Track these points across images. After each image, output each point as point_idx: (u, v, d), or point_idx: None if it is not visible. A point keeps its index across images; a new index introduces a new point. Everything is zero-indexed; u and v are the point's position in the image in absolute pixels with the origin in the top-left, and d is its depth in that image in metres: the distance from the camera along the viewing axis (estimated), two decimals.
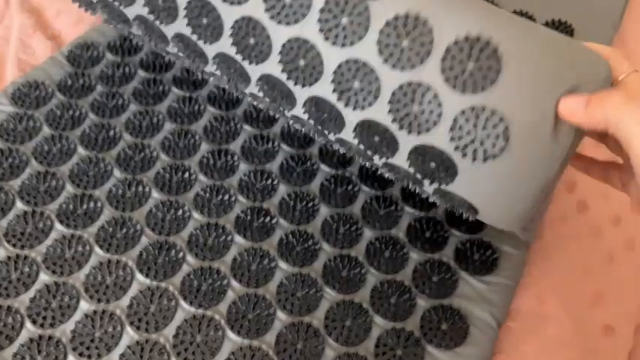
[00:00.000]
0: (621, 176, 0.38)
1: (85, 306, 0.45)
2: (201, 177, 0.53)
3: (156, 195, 0.51)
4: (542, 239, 0.52)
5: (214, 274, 0.46)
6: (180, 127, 0.56)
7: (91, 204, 0.50)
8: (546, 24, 0.65)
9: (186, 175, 0.53)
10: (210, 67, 0.47)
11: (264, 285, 0.46)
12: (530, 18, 0.66)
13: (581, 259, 0.51)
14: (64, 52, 0.62)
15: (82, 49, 0.62)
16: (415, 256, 0.49)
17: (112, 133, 0.55)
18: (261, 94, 0.45)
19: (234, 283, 0.46)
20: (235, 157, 0.54)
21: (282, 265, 0.48)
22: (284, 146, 0.55)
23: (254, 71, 0.42)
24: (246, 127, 0.57)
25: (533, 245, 0.51)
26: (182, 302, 0.45)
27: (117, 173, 0.53)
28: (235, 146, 0.55)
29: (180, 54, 0.48)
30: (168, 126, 0.56)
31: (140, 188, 0.52)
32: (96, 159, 0.53)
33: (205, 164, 0.54)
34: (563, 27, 0.65)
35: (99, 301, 0.45)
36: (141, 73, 0.61)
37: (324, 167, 0.54)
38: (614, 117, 0.31)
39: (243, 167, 0.54)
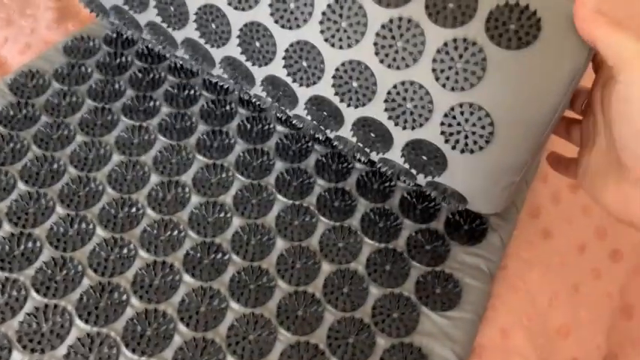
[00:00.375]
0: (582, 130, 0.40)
1: (17, 356, 0.41)
2: (149, 211, 0.50)
3: (100, 232, 0.48)
4: (507, 269, 0.51)
5: (160, 318, 0.43)
6: (129, 159, 0.53)
7: (29, 244, 0.47)
8: None
9: (134, 209, 0.50)
10: (217, 70, 0.52)
11: (214, 328, 0.43)
12: None
13: (547, 290, 0.49)
14: (6, 81, 0.59)
15: (26, 78, 0.59)
16: (375, 291, 0.46)
17: (55, 166, 0.52)
18: (264, 94, 0.49)
19: (182, 327, 0.43)
20: (187, 189, 0.52)
21: (234, 305, 0.45)
22: (239, 175, 0.53)
23: (259, 73, 0.47)
24: (199, 157, 0.54)
25: (497, 276, 0.50)
26: (124, 349, 0.42)
27: (59, 209, 0.49)
28: (187, 177, 0.53)
29: (187, 57, 0.53)
30: (116, 158, 0.54)
31: (84, 225, 0.48)
32: (37, 195, 0.50)
33: (154, 197, 0.51)
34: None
35: (32, 351, 0.42)
36: (89, 102, 0.58)
37: (279, 202, 0.52)
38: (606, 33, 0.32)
39: (195, 200, 0.51)
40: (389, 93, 0.40)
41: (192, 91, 0.60)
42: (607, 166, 0.36)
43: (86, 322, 0.43)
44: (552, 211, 0.55)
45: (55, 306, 0.44)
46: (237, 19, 0.44)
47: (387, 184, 0.53)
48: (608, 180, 0.36)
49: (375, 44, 0.39)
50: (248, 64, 0.47)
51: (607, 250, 0.53)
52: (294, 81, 0.44)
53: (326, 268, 0.48)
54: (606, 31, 0.32)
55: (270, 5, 0.41)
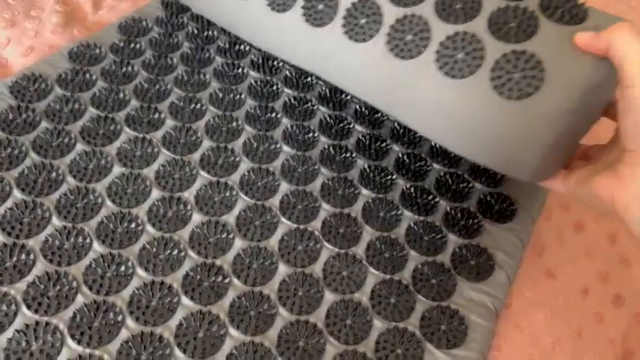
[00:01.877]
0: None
1: None
2: (149, 227, 0.48)
3: (97, 247, 0.46)
4: (511, 308, 0.50)
5: (156, 342, 0.42)
6: (130, 171, 0.52)
7: (22, 256, 0.45)
8: None
9: (133, 225, 0.48)
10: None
11: (212, 355, 0.42)
12: None
13: (551, 333, 0.49)
14: (7, 83, 0.57)
15: (28, 81, 0.58)
16: (379, 324, 0.45)
17: (53, 174, 0.51)
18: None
19: (178, 353, 0.41)
20: (189, 206, 0.50)
21: (233, 332, 0.43)
22: (242, 195, 0.52)
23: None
24: (203, 174, 0.53)
25: (502, 314, 0.49)
26: None
27: (55, 221, 0.48)
28: (189, 193, 0.51)
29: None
30: (117, 169, 0.52)
31: (80, 239, 0.47)
32: (33, 204, 0.48)
33: (155, 213, 0.49)
34: None
35: None
36: (92, 109, 0.57)
37: (283, 225, 0.51)
38: (615, 38, 0.35)
39: (197, 218, 0.50)
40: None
41: (198, 105, 0.59)
42: (611, 159, 0.38)
43: (78, 342, 0.41)
44: (556, 250, 0.55)
45: (47, 323, 0.41)
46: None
47: (393, 212, 0.52)
48: (607, 170, 0.37)
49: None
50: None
51: (610, 295, 0.53)
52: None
53: (329, 297, 0.46)
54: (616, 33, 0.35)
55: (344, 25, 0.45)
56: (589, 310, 0.51)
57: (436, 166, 0.57)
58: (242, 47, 0.66)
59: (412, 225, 0.52)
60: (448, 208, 0.53)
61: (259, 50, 0.67)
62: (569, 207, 0.58)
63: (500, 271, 0.49)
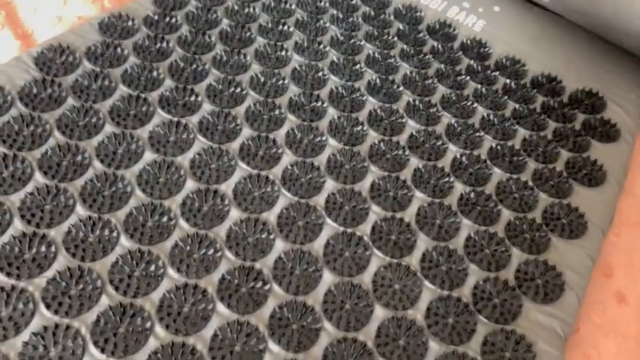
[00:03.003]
0: None
1: None
2: (183, 222, 0.43)
3: (125, 242, 0.42)
4: (578, 333, 0.44)
5: (188, 354, 0.37)
6: (163, 159, 0.47)
7: (42, 247, 0.40)
8: (576, 91, 0.60)
9: (165, 218, 0.43)
10: None
11: None
12: (559, 83, 0.60)
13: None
14: (32, 54, 0.52)
15: (54, 52, 0.53)
16: (435, 347, 0.40)
17: (79, 158, 0.46)
18: None
19: None
20: (226, 201, 0.45)
21: (273, 347, 0.38)
22: (285, 191, 0.47)
23: None
24: (242, 165, 0.48)
25: (568, 341, 0.43)
26: None
27: (80, 210, 0.43)
28: (227, 186, 0.46)
29: None
30: (149, 155, 0.47)
31: (106, 232, 0.42)
32: (56, 190, 0.43)
33: (189, 207, 0.44)
34: (595, 98, 0.60)
35: None
36: (122, 88, 0.52)
37: (328, 227, 0.45)
38: None
39: (235, 214, 0.45)
40: None
41: (238, 89, 0.54)
42: None
43: (102, 350, 0.36)
44: (627, 271, 0.49)
45: (67, 327, 0.37)
46: None
47: (451, 219, 0.47)
48: None
49: None
50: None
51: None
52: None
53: (379, 313, 0.41)
54: None
55: None
56: None
57: (497, 170, 0.52)
58: (285, 28, 0.61)
59: (472, 235, 0.46)
60: (512, 218, 0.48)
61: (304, 30, 0.61)
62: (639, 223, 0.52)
63: (570, 292, 0.44)
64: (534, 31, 0.68)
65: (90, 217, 0.42)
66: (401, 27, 0.65)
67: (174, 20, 0.59)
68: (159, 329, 0.38)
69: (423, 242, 0.46)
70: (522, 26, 0.68)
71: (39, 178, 0.44)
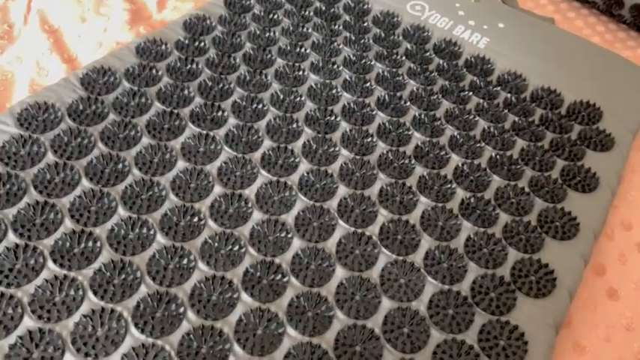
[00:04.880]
0: None
1: (70, 358, 0.40)
2: (211, 222, 0.49)
3: (161, 239, 0.47)
4: (571, 326, 0.48)
5: (216, 336, 0.42)
6: (194, 167, 0.53)
7: (90, 243, 0.46)
8: (574, 104, 0.64)
9: (195, 219, 0.49)
10: None
11: (270, 354, 0.42)
12: (558, 96, 0.65)
13: (613, 354, 0.47)
14: (78, 75, 0.59)
15: (97, 74, 0.59)
16: (437, 334, 0.45)
17: (120, 166, 0.52)
18: None
19: (237, 349, 0.42)
20: (249, 204, 0.51)
21: (291, 331, 0.43)
22: (301, 196, 0.52)
23: None
24: (263, 172, 0.53)
25: (561, 333, 0.47)
26: None
27: (121, 211, 0.49)
28: (250, 191, 0.52)
29: None
30: (181, 164, 0.53)
31: (144, 230, 0.48)
32: (100, 193, 0.49)
33: (217, 209, 0.50)
34: (591, 109, 0.64)
35: (86, 355, 0.40)
36: (157, 104, 0.58)
37: (340, 228, 0.50)
38: None
39: (257, 215, 0.50)
40: None
41: (260, 105, 0.59)
42: None
43: (142, 331, 0.42)
44: (618, 271, 0.53)
45: (112, 310, 0.42)
46: None
47: (453, 222, 0.52)
48: None
49: None
50: None
51: None
52: None
53: (386, 303, 0.46)
54: None
55: None
56: None
57: (496, 177, 0.56)
58: (302, 50, 0.67)
59: (472, 236, 0.51)
60: (509, 221, 0.52)
61: (320, 52, 0.67)
62: (632, 226, 0.56)
63: (562, 288, 0.48)
64: (537, 45, 0.72)
65: (130, 217, 0.48)
66: (409, 47, 0.70)
67: (202, 44, 0.65)
68: (191, 314, 0.43)
69: (427, 242, 0.50)
70: (525, 41, 0.73)
71: (85, 183, 0.50)
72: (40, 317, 0.42)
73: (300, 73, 0.64)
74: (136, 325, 0.42)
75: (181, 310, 0.43)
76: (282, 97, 0.61)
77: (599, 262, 0.53)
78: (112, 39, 0.67)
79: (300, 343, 0.42)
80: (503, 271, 0.49)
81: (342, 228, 0.50)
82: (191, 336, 0.42)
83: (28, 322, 0.41)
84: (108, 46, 0.66)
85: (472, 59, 0.70)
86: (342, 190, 0.53)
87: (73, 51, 0.65)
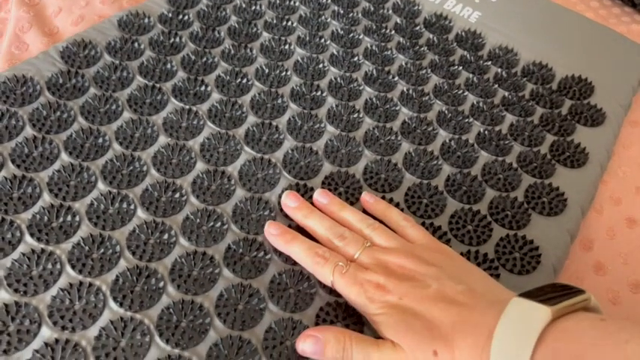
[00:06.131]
0: None
1: (46, 333, 0.40)
2: (193, 199, 0.48)
3: (141, 214, 0.47)
4: None
5: (196, 310, 0.41)
6: (176, 142, 0.52)
7: (68, 217, 0.45)
8: (565, 78, 0.63)
9: (177, 195, 0.48)
10: None
11: (251, 328, 0.41)
12: (549, 70, 0.64)
13: None
14: (58, 48, 0.58)
15: (78, 47, 0.58)
16: None
17: (100, 140, 0.51)
18: None
19: (218, 323, 0.41)
20: (232, 181, 0.50)
21: (273, 307, 0.43)
22: (285, 173, 0.51)
23: None
24: (247, 149, 0.52)
25: None
26: (157, 339, 0.40)
27: (101, 185, 0.48)
28: (233, 168, 0.51)
29: None
30: (163, 139, 0.52)
31: (125, 205, 0.47)
32: (80, 167, 0.48)
33: (199, 185, 0.49)
34: (583, 83, 0.63)
35: (63, 328, 0.40)
36: (139, 78, 0.57)
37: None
38: None
39: (240, 193, 0.49)
40: None
41: (244, 80, 0.58)
42: None
43: (120, 305, 0.41)
44: (606, 245, 0.53)
45: (90, 284, 0.42)
46: None
47: (437, 197, 0.51)
48: None
49: None
50: None
51: None
52: None
53: None
54: None
55: None
56: (638, 306, 0.49)
57: (484, 153, 0.56)
58: (289, 23, 0.65)
59: (458, 212, 0.50)
60: (495, 197, 0.52)
61: (307, 26, 0.66)
62: (621, 201, 0.55)
63: (547, 264, 0.48)
64: (529, 20, 0.71)
65: (110, 192, 0.47)
66: (398, 21, 0.69)
67: (186, 18, 0.64)
68: (171, 289, 0.43)
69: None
70: (517, 16, 0.71)
71: (65, 157, 0.49)
72: (16, 290, 0.41)
73: (287, 47, 0.63)
74: (114, 298, 0.41)
75: (161, 284, 0.43)
76: (267, 71, 0.60)
77: (587, 236, 0.53)
78: (94, 13, 0.65)
79: (282, 318, 0.42)
80: (487, 248, 0.48)
81: None
82: (171, 310, 0.41)
83: (4, 296, 0.41)
84: (90, 20, 0.64)
85: (463, 33, 0.69)
86: (327, 168, 0.53)
87: (55, 25, 0.64)
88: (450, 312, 0.37)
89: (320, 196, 0.48)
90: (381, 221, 0.47)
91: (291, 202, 0.47)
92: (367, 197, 0.49)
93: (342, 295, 0.42)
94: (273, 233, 0.45)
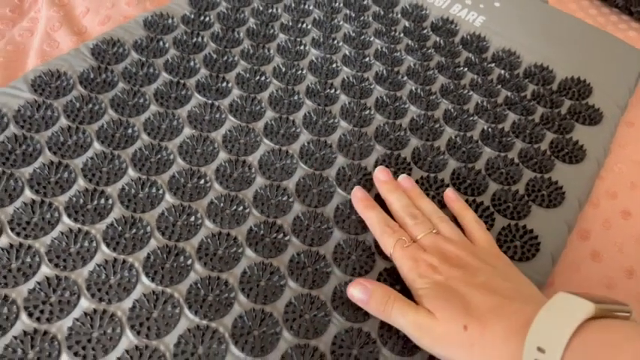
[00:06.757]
0: None
1: (85, 304, 0.43)
2: (217, 185, 0.52)
3: (169, 198, 0.50)
4: (553, 287, 0.51)
5: (222, 285, 0.45)
6: (200, 134, 0.55)
7: (102, 200, 0.49)
8: (565, 80, 0.67)
9: (202, 181, 0.52)
10: None
11: (272, 302, 0.45)
12: (550, 72, 0.67)
13: None
14: (89, 45, 0.61)
15: (107, 45, 0.62)
16: None
17: (129, 131, 0.54)
18: None
19: (242, 297, 0.45)
20: (252, 170, 0.53)
21: (292, 284, 0.46)
22: (302, 164, 0.55)
23: None
24: (266, 141, 0.56)
25: (544, 293, 0.50)
26: (187, 311, 0.43)
27: (131, 172, 0.51)
28: (254, 158, 0.54)
29: None
30: (187, 131, 0.56)
31: (154, 190, 0.50)
32: (111, 155, 0.52)
33: (222, 173, 0.53)
34: (582, 85, 0.67)
35: (100, 300, 0.43)
36: (164, 75, 0.60)
37: (338, 195, 0.53)
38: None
39: (260, 180, 0.53)
40: None
41: (262, 78, 0.62)
42: None
43: (152, 280, 0.44)
44: (602, 235, 0.56)
45: (124, 261, 0.45)
46: None
47: (444, 190, 0.54)
48: None
49: None
50: None
51: None
52: None
53: (380, 264, 0.49)
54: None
55: None
56: (632, 291, 0.52)
57: (487, 149, 0.59)
58: (304, 26, 0.69)
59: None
60: (497, 189, 0.55)
61: (321, 28, 0.69)
62: (617, 195, 0.59)
63: (545, 252, 0.51)
64: (531, 24, 0.75)
65: (140, 178, 0.51)
66: (407, 24, 0.73)
67: (207, 19, 0.68)
68: (198, 266, 0.46)
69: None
70: (520, 20, 0.75)
71: (97, 146, 0.53)
72: (56, 265, 0.44)
73: (302, 47, 0.67)
74: (146, 274, 0.45)
75: (189, 262, 0.46)
76: (284, 70, 0.63)
77: (584, 227, 0.56)
78: (120, 13, 0.69)
79: (301, 294, 0.45)
80: None
81: (339, 195, 0.53)
82: (198, 285, 0.45)
83: (46, 270, 0.44)
84: (116, 20, 0.68)
85: (468, 37, 0.72)
86: (341, 160, 0.56)
87: (83, 25, 0.68)
88: (491, 299, 0.39)
89: (404, 180, 0.53)
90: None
91: (381, 176, 0.53)
92: (450, 193, 0.53)
93: (396, 267, 0.47)
94: (358, 196, 0.51)
